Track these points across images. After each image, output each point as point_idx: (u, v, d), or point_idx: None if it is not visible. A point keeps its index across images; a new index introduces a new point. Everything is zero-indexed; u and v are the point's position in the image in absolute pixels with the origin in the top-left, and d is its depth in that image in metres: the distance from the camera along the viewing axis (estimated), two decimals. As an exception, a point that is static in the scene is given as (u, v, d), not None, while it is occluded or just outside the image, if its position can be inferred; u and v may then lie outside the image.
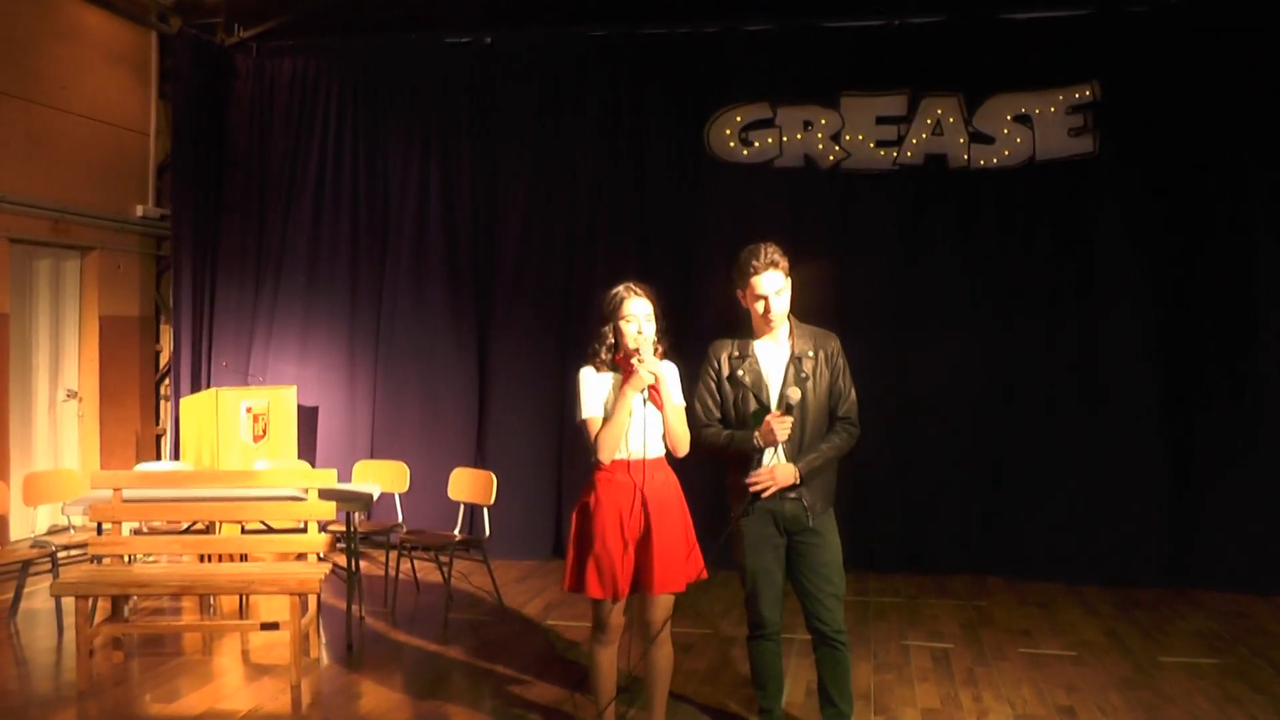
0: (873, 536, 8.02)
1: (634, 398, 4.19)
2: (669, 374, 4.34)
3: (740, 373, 4.44)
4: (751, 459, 4.40)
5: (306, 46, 9.26)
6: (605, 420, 4.22)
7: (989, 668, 5.91)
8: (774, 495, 4.38)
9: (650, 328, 4.25)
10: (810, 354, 4.45)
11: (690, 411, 4.43)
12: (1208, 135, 7.84)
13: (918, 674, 5.81)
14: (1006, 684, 5.63)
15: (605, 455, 4.23)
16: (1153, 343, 7.93)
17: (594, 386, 4.29)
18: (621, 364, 4.27)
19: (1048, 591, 7.61)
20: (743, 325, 4.55)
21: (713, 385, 4.51)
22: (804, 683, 5.41)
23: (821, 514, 4.45)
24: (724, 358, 4.50)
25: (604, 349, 4.30)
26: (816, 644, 4.55)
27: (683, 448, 4.35)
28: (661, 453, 4.34)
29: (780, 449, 4.38)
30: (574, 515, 4.38)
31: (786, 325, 4.49)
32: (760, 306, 4.40)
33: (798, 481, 4.35)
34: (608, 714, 4.39)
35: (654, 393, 4.23)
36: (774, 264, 4.36)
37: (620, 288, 4.31)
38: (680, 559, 4.26)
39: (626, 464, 4.25)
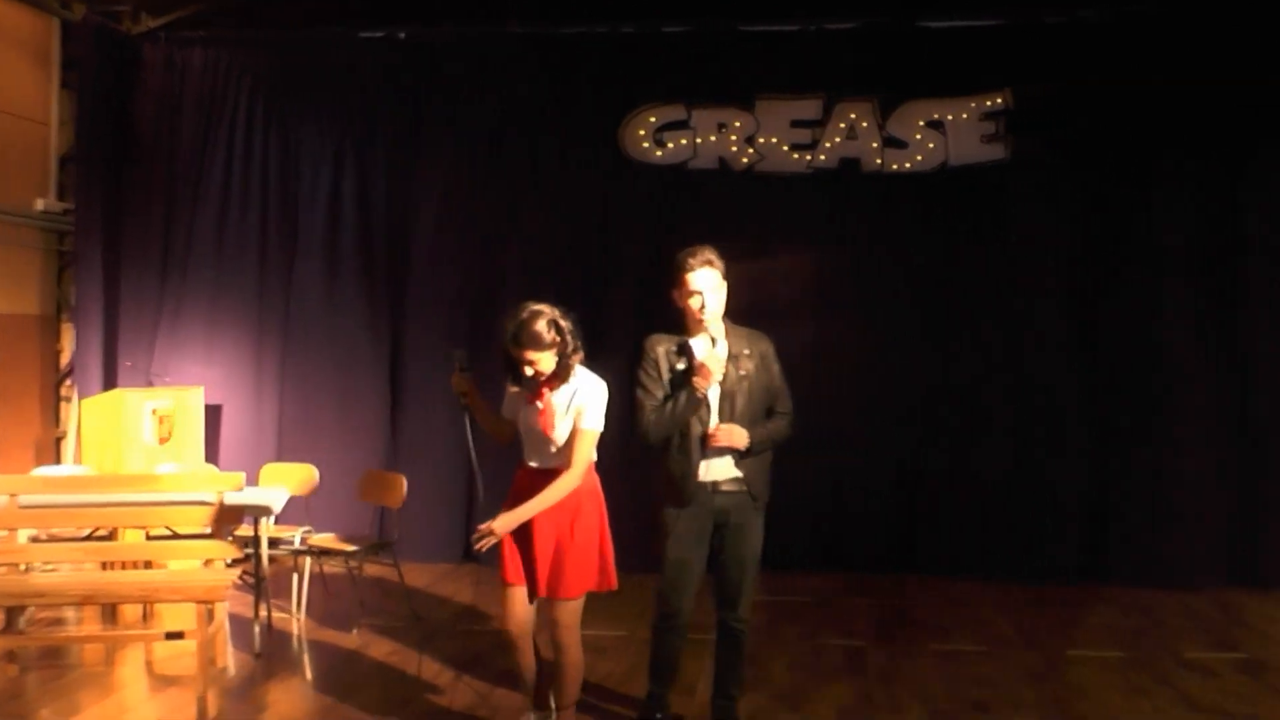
0: (788, 535, 8.03)
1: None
2: (594, 395, 4.36)
3: (679, 367, 4.52)
4: (692, 447, 4.49)
5: (218, 38, 9.01)
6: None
7: (903, 665, 5.98)
8: (712, 489, 4.54)
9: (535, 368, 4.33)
10: (746, 352, 4.57)
11: (638, 407, 4.55)
12: (1116, 143, 8.09)
13: (831, 672, 5.86)
14: (920, 680, 5.70)
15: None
16: (1069, 341, 8.13)
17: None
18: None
19: (964, 589, 7.72)
20: (676, 326, 4.61)
21: (654, 374, 4.55)
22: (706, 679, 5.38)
23: (762, 508, 4.62)
24: (661, 353, 4.57)
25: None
26: (721, 634, 4.69)
27: (574, 470, 4.33)
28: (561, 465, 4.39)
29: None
30: None
31: (721, 326, 4.57)
32: (695, 302, 4.48)
33: (745, 447, 4.48)
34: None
35: (539, 412, 4.37)
36: (709, 263, 4.49)
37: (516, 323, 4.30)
38: (570, 567, 4.34)
39: (527, 469, 4.52)
